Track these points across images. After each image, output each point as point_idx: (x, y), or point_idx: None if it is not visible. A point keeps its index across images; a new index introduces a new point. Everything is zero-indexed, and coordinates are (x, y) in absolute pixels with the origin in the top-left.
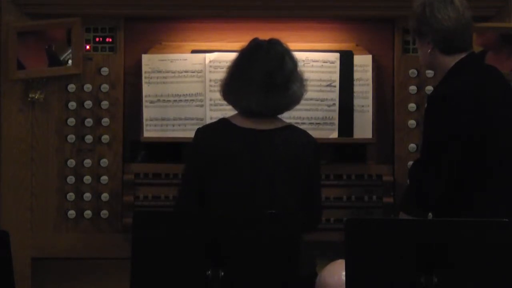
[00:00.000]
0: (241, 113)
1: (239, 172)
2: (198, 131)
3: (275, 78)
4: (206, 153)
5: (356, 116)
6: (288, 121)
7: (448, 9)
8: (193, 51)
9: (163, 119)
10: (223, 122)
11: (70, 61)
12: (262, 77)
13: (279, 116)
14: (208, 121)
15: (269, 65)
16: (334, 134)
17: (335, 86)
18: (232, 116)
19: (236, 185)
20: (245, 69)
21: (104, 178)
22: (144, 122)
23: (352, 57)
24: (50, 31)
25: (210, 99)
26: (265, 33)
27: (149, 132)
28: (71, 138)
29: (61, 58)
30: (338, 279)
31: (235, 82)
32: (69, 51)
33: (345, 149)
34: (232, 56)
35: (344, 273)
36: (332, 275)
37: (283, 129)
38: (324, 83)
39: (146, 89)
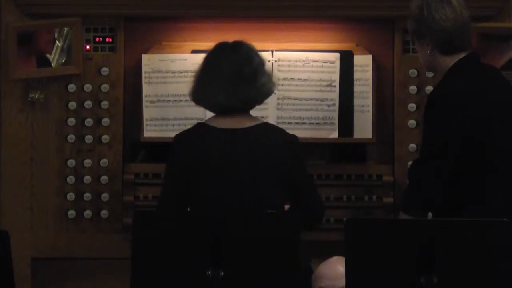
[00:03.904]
0: (214, 111)
1: (220, 172)
2: (176, 137)
3: (243, 71)
4: (186, 158)
5: (356, 116)
6: (288, 121)
7: (445, 9)
8: (193, 51)
9: (163, 119)
10: (199, 125)
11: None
12: (229, 71)
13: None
14: None
15: (235, 60)
16: (334, 134)
17: (335, 86)
18: (209, 119)
19: (219, 186)
20: (211, 68)
21: (104, 178)
22: (144, 122)
23: (352, 57)
24: (38, 39)
25: None
26: (265, 33)
27: (149, 132)
28: (71, 138)
29: (51, 59)
30: (335, 272)
31: (203, 82)
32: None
33: (345, 149)
34: None
35: (339, 266)
36: (328, 268)
37: (259, 127)
38: (324, 83)
39: (146, 89)
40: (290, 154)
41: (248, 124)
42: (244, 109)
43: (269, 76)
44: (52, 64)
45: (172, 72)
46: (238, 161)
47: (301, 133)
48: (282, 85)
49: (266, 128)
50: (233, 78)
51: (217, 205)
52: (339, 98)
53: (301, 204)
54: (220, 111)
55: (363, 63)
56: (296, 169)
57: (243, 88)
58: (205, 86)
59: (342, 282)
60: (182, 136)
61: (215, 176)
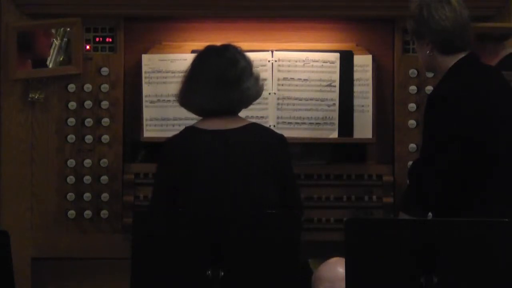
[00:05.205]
0: (199, 115)
1: (214, 173)
2: (166, 141)
3: (227, 74)
4: (177, 162)
5: (356, 116)
6: (288, 121)
7: (445, 9)
8: (193, 51)
9: (163, 119)
10: (189, 129)
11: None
12: (214, 75)
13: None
14: None
15: (220, 64)
16: (334, 134)
17: (335, 86)
18: (197, 122)
19: (213, 187)
20: (197, 71)
21: (104, 178)
22: (144, 122)
23: (352, 57)
24: (37, 43)
25: None
26: (265, 33)
27: (149, 132)
28: (71, 138)
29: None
30: (335, 274)
31: (188, 84)
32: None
33: (345, 149)
34: None
35: (339, 268)
36: (329, 270)
37: (248, 127)
38: (324, 83)
39: (146, 89)
40: (282, 152)
41: (236, 125)
42: (229, 112)
43: (256, 79)
44: (50, 63)
45: (172, 72)
46: (231, 161)
47: (301, 133)
48: (282, 85)
49: (255, 127)
50: (217, 82)
51: (213, 205)
52: (339, 98)
53: (287, 201)
54: (205, 114)
55: (363, 63)
56: (287, 167)
57: (226, 92)
58: (189, 90)
59: (342, 285)
60: (173, 140)
61: (209, 177)
